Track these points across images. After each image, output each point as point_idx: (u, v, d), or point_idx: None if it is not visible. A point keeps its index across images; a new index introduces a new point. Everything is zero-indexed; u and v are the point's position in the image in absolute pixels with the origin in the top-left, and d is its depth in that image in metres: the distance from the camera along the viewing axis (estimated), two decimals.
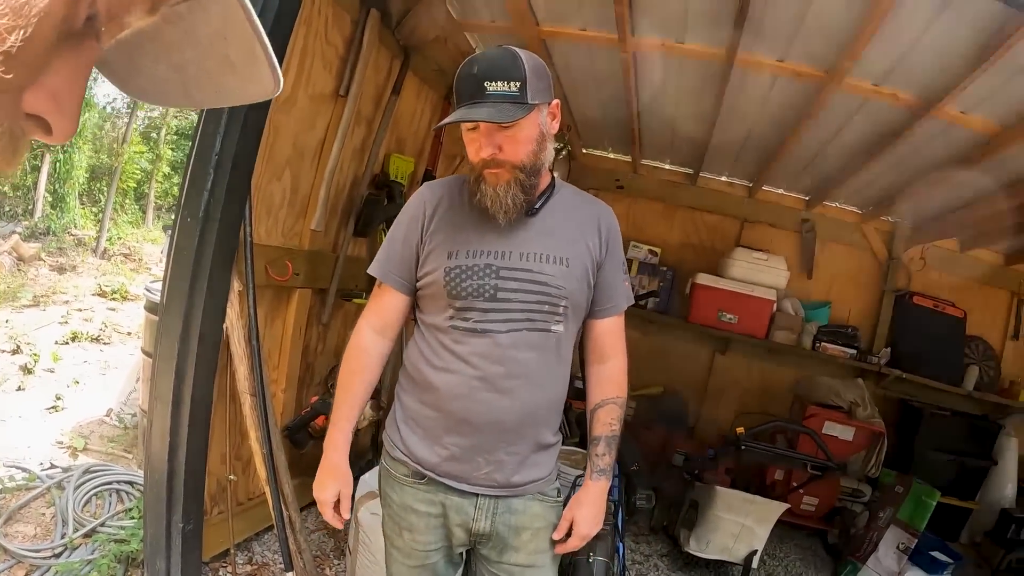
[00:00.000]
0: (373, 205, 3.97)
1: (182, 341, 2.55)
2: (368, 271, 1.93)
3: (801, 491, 5.23)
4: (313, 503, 1.93)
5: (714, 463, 4.72)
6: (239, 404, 2.92)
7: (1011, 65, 3.01)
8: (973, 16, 2.74)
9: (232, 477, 3.15)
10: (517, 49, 1.69)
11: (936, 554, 4.77)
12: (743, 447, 4.26)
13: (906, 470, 5.04)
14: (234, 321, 2.83)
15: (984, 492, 5.96)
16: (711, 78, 4.11)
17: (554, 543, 1.90)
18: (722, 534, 4.24)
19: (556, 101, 1.77)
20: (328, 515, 1.88)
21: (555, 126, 1.78)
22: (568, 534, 1.89)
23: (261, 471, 2.89)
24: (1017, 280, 6.43)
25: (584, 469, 1.96)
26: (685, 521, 4.52)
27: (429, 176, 4.63)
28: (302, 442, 3.54)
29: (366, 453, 3.75)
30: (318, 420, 3.55)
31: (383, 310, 1.92)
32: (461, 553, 1.97)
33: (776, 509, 4.21)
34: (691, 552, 4.32)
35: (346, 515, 1.90)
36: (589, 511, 1.88)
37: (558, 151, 5.68)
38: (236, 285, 2.81)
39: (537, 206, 1.79)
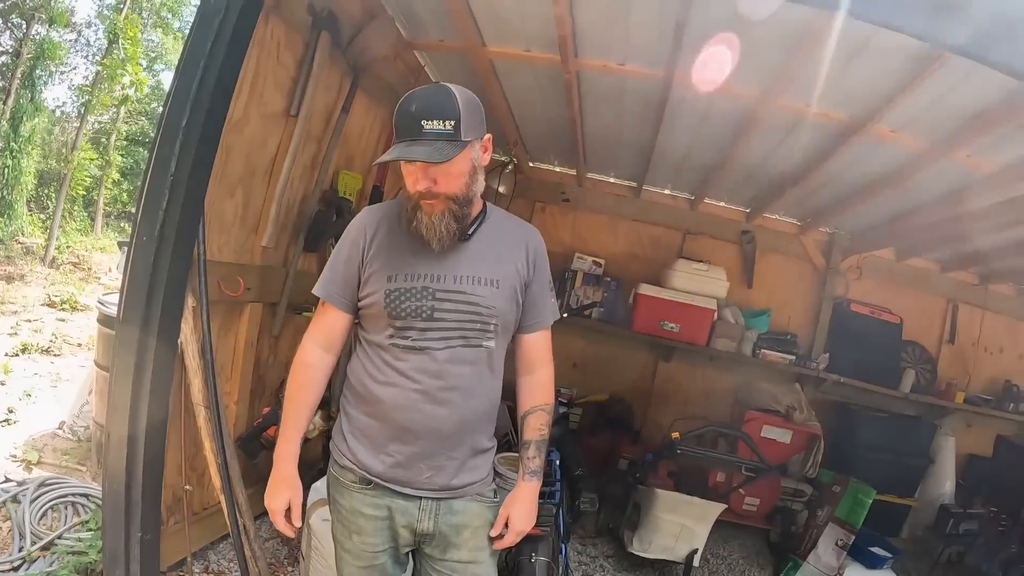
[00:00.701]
0: (322, 221, 4.06)
1: (139, 355, 2.64)
2: (312, 291, 2.05)
3: (741, 492, 5.44)
4: (267, 512, 2.04)
5: (653, 467, 4.90)
6: (194, 416, 2.99)
7: (935, 89, 3.26)
8: (898, 44, 2.91)
9: (188, 487, 3.22)
10: (452, 87, 1.81)
11: (875, 549, 4.99)
12: (679, 451, 4.44)
13: (846, 471, 5.27)
14: (188, 335, 2.92)
15: (923, 489, 6.27)
16: (652, 97, 4.29)
17: (492, 540, 2.06)
18: (663, 534, 4.41)
19: (488, 135, 1.91)
20: (280, 524, 2.00)
21: (486, 158, 1.93)
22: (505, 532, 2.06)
23: (216, 480, 2.98)
24: (952, 287, 6.81)
25: None
26: (629, 523, 4.69)
27: (377, 192, 4.76)
28: (255, 452, 3.62)
29: (317, 462, 3.84)
30: (270, 430, 3.63)
31: (327, 327, 2.04)
32: (407, 554, 2.12)
33: (714, 509, 4.40)
34: (635, 552, 4.47)
35: (297, 523, 2.02)
36: (523, 509, 2.06)
37: (504, 164, 5.82)
38: (190, 301, 2.90)
39: (470, 232, 1.93)
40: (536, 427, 2.10)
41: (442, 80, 4.74)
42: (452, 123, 1.75)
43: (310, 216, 4.03)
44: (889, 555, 4.98)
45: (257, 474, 3.64)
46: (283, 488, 1.99)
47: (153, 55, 20.97)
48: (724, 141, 4.83)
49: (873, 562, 4.93)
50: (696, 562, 4.43)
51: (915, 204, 5.17)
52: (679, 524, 4.39)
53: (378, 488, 1.96)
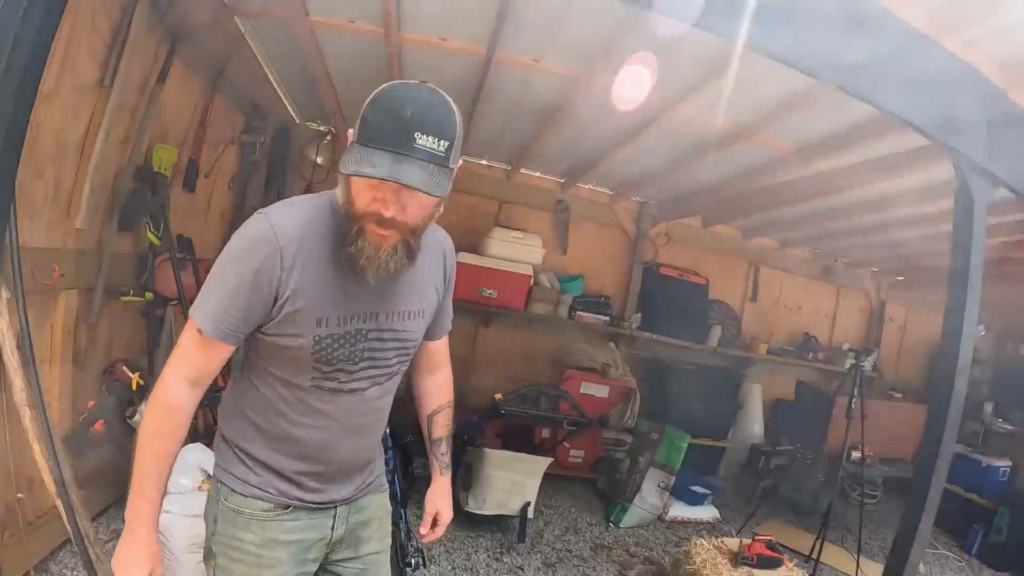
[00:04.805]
0: (137, 198, 3.86)
1: None
2: (198, 326, 1.61)
3: (567, 445, 5.82)
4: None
5: (481, 429, 5.17)
6: (16, 418, 2.77)
7: (740, 75, 3.49)
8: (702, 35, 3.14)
9: (20, 496, 2.99)
10: (447, 96, 1.52)
11: (696, 488, 5.59)
12: (503, 411, 4.69)
13: (663, 420, 5.81)
14: (5, 330, 2.68)
15: (734, 432, 7.12)
16: (471, 72, 4.41)
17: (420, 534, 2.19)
18: (496, 491, 4.67)
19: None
20: None
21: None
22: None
23: (50, 484, 2.77)
24: (754, 251, 7.70)
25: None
26: (463, 483, 4.90)
27: (193, 166, 4.58)
28: (84, 450, 3.42)
29: None
30: (96, 425, 3.45)
31: (204, 361, 1.66)
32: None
33: (542, 463, 4.74)
34: (471, 511, 4.69)
35: None
36: (447, 501, 2.19)
37: (324, 135, 5.74)
38: (4, 292, 2.67)
39: None
40: (445, 424, 2.20)
41: (263, 49, 4.58)
42: (447, 144, 1.47)
43: (125, 194, 3.80)
44: (708, 492, 5.63)
45: (86, 474, 3.44)
46: (143, 558, 1.63)
47: None
48: (540, 116, 5.03)
49: (694, 499, 5.55)
50: (530, 514, 4.73)
51: (719, 178, 5.65)
52: (510, 480, 4.66)
53: (296, 509, 1.83)
